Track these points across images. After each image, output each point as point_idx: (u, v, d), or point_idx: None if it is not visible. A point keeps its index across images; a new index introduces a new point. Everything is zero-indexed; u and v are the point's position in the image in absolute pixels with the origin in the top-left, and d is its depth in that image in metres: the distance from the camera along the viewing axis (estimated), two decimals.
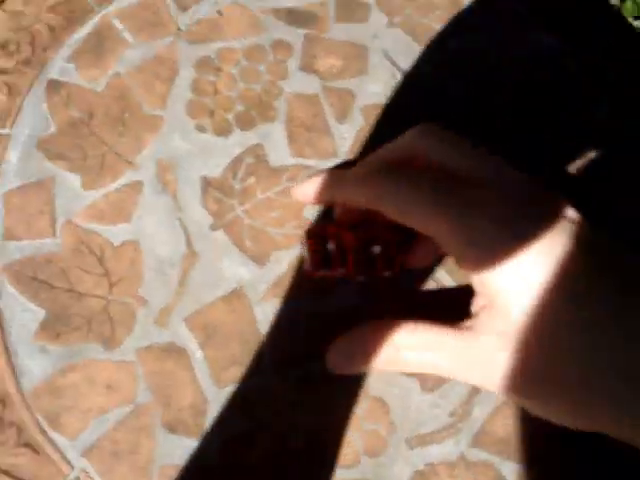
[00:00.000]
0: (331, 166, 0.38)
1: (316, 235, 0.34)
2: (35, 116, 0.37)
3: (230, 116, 0.38)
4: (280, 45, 0.40)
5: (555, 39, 0.41)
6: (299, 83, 0.39)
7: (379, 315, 0.30)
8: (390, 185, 0.27)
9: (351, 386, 0.34)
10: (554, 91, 0.40)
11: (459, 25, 0.41)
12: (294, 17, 0.40)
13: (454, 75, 0.40)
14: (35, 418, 0.32)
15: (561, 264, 0.23)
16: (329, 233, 0.34)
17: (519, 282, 0.23)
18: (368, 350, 0.28)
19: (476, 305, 0.27)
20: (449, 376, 0.27)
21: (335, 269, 0.34)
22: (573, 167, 0.39)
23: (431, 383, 0.35)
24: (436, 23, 0.41)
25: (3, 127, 0.36)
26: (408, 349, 0.27)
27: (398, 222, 0.28)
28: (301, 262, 0.35)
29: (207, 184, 0.37)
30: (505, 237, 0.24)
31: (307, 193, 0.32)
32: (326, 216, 0.37)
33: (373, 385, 0.35)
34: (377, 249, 0.34)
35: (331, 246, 0.33)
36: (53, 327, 0.34)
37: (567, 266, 0.23)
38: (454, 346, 0.26)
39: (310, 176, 0.32)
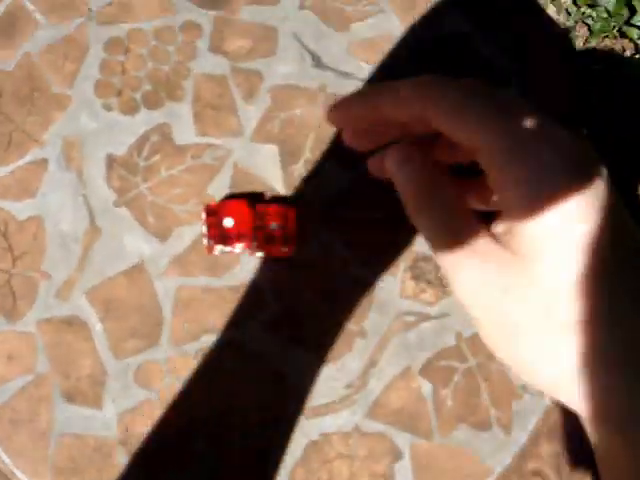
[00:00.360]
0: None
1: (214, 212, 0.35)
2: None
3: (137, 95, 0.39)
4: (190, 26, 0.41)
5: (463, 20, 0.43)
6: (207, 64, 0.40)
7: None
8: (448, 87, 0.23)
9: (249, 358, 0.36)
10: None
11: (370, 8, 0.43)
12: None
13: (363, 57, 0.42)
14: None
15: (615, 232, 0.21)
16: (228, 209, 0.35)
17: (578, 241, 0.20)
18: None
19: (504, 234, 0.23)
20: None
21: (232, 245, 0.35)
22: None
23: (329, 355, 0.37)
24: (347, 5, 0.42)
25: None
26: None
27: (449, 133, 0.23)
28: (201, 237, 0.37)
29: (112, 161, 0.38)
30: (572, 179, 0.21)
31: (346, 114, 0.25)
32: (229, 196, 0.38)
33: (273, 357, 0.36)
34: (275, 225, 0.35)
35: (229, 222, 0.35)
36: None
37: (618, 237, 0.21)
38: (499, 256, 0.22)
39: (341, 98, 0.25)
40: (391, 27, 0.42)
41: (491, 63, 0.42)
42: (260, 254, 0.37)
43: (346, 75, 0.41)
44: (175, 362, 0.35)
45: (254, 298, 0.37)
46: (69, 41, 0.40)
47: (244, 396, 0.36)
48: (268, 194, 0.38)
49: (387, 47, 0.42)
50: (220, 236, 0.35)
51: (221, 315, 0.36)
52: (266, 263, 0.37)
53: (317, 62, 0.41)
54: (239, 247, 0.36)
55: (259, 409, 0.36)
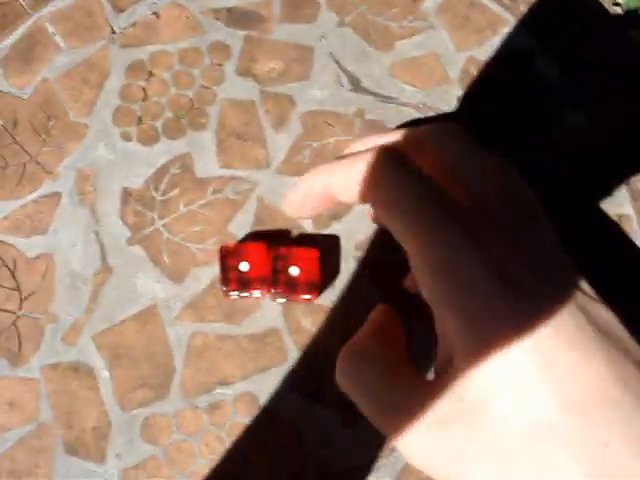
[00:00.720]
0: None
1: (231, 253, 0.42)
2: None
3: (158, 124, 0.47)
4: (218, 47, 0.49)
5: (527, 38, 0.49)
6: (234, 88, 0.48)
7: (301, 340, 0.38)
8: (387, 177, 0.28)
9: (265, 414, 0.42)
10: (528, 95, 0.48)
11: (416, 25, 0.49)
12: (235, 17, 0.50)
13: (407, 79, 0.48)
14: None
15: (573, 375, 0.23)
16: (245, 251, 0.42)
17: (518, 393, 0.23)
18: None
19: (440, 361, 0.27)
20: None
21: (249, 290, 0.42)
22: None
23: (353, 414, 0.42)
24: (391, 22, 0.49)
25: None
26: None
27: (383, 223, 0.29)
28: (219, 280, 0.44)
29: (127, 196, 0.46)
30: (509, 312, 0.24)
31: (298, 203, 0.33)
32: (251, 235, 0.45)
33: (290, 415, 0.42)
34: (297, 270, 0.42)
35: (245, 266, 0.42)
36: None
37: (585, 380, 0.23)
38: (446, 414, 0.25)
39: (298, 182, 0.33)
40: (440, 45, 0.49)
41: (553, 85, 0.48)
42: (282, 300, 0.43)
43: (387, 99, 0.48)
44: (185, 416, 0.42)
45: (273, 348, 0.43)
46: (89, 65, 0.49)
47: (257, 457, 0.42)
48: (294, 232, 0.45)
49: (435, 67, 0.48)
50: (237, 281, 0.42)
51: (237, 366, 0.43)
52: (289, 309, 0.44)
53: (355, 85, 0.48)
54: (257, 293, 0.43)
55: (274, 473, 0.42)
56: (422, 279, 0.26)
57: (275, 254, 0.42)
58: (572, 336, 0.24)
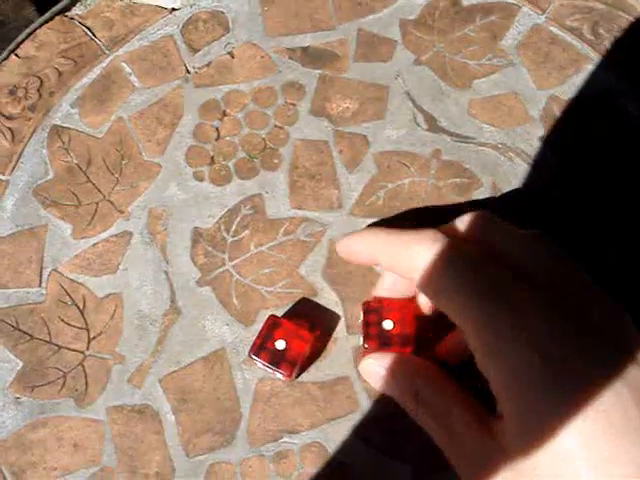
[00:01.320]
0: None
1: (374, 309, 0.40)
2: (35, 162, 0.48)
3: (231, 163, 0.47)
4: (292, 87, 0.49)
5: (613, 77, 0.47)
6: (308, 128, 0.48)
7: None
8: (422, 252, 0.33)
9: (335, 468, 0.41)
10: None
11: (496, 63, 0.48)
12: (310, 56, 0.49)
13: (486, 119, 0.47)
14: (1, 472, 0.42)
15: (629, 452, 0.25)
16: (390, 308, 0.41)
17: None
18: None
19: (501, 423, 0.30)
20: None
21: (391, 349, 0.40)
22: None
23: (431, 470, 0.41)
24: (470, 60, 0.48)
25: (2, 173, 0.48)
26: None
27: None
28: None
29: (198, 236, 0.46)
30: (555, 396, 0.26)
31: (350, 250, 0.40)
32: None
33: (362, 470, 0.41)
34: (389, 325, 0.40)
35: (390, 324, 0.40)
36: (29, 379, 0.44)
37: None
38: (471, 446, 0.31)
39: (357, 232, 0.40)
40: (520, 83, 0.47)
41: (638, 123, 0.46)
42: None
43: (465, 139, 0.46)
44: (250, 465, 0.41)
45: (343, 396, 0.42)
46: (163, 105, 0.49)
47: None
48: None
49: (515, 106, 0.47)
50: (377, 337, 0.40)
51: (305, 414, 0.42)
52: (360, 356, 0.42)
53: (431, 124, 0.47)
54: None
55: None
56: (476, 356, 0.30)
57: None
58: (616, 420, 0.25)
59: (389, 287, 0.40)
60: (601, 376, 0.26)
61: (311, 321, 0.43)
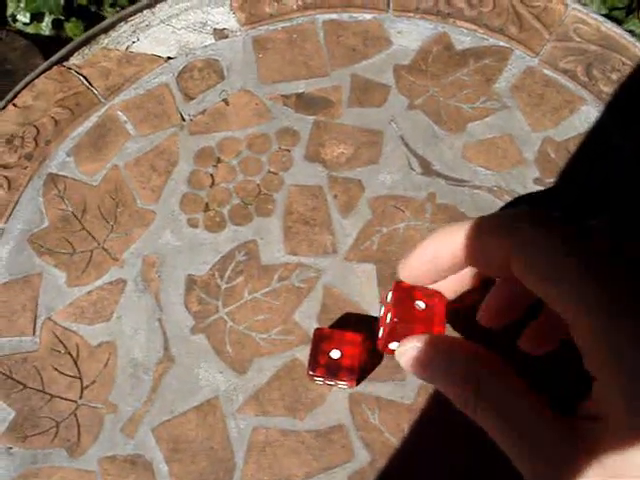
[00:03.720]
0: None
1: (326, 337, 0.41)
2: (30, 210, 0.49)
3: (225, 210, 0.48)
4: (286, 133, 0.50)
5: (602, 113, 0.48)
6: (302, 174, 0.49)
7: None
8: (540, 240, 0.28)
9: None
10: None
11: (489, 106, 0.49)
12: (304, 103, 0.51)
13: (480, 162, 0.48)
14: None
15: None
16: (341, 338, 0.42)
17: None
18: None
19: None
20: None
21: (336, 379, 0.41)
22: None
23: None
24: (463, 104, 0.49)
25: None
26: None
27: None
28: (283, 371, 0.43)
29: (192, 283, 0.46)
30: None
31: (422, 264, 0.33)
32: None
33: None
34: (337, 354, 0.41)
35: (337, 354, 0.41)
36: (21, 429, 0.44)
37: None
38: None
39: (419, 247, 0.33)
40: (515, 125, 0.48)
41: (634, 162, 0.46)
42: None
43: (460, 182, 0.47)
44: None
45: (338, 445, 0.42)
46: (158, 152, 0.50)
47: None
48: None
49: (509, 149, 0.48)
50: (325, 367, 0.41)
51: (300, 464, 0.42)
52: (356, 403, 0.42)
53: (426, 168, 0.48)
54: (342, 384, 0.42)
55: None
56: (584, 347, 0.28)
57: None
58: None
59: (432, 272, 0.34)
60: None
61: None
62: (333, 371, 0.41)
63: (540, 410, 0.29)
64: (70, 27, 0.97)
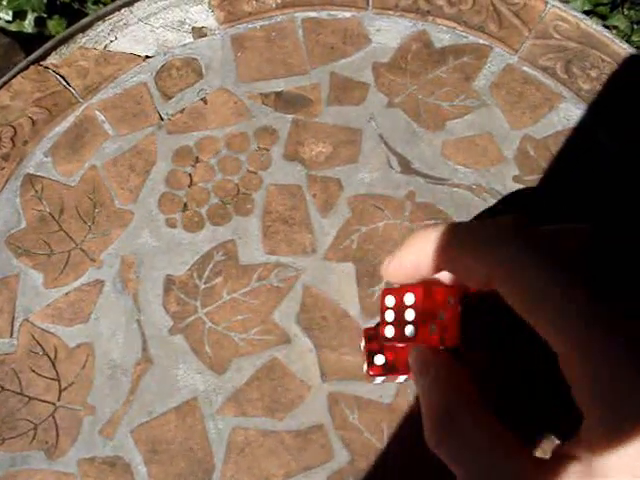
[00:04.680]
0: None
1: (375, 337, 0.41)
2: (7, 211, 0.49)
3: (203, 210, 0.48)
4: (265, 132, 0.50)
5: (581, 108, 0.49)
6: (281, 173, 0.49)
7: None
8: (517, 259, 0.27)
9: None
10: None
11: (469, 104, 0.49)
12: (283, 101, 0.51)
13: (460, 160, 0.48)
14: None
15: None
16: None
17: None
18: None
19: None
20: None
21: (396, 374, 0.41)
22: None
23: None
24: (443, 102, 0.49)
25: None
26: None
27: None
28: (262, 371, 0.43)
29: (170, 283, 0.46)
30: None
31: (403, 268, 0.32)
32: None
33: None
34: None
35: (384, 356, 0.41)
36: None
37: None
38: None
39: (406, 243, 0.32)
40: (494, 123, 0.49)
41: (614, 158, 0.47)
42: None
43: (439, 181, 0.47)
44: None
45: (317, 445, 0.42)
46: (136, 152, 0.50)
47: None
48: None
49: (489, 147, 0.48)
50: (382, 366, 0.40)
51: (279, 464, 0.42)
52: (335, 403, 0.43)
53: (405, 167, 0.48)
54: (401, 378, 0.41)
55: None
56: (580, 387, 0.27)
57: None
58: None
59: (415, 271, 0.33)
60: None
61: None
62: (388, 370, 0.40)
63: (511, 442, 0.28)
64: (53, 25, 0.97)
